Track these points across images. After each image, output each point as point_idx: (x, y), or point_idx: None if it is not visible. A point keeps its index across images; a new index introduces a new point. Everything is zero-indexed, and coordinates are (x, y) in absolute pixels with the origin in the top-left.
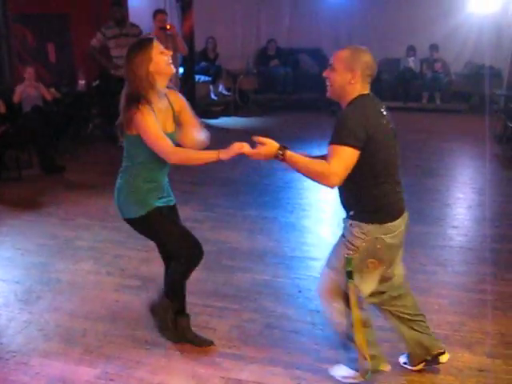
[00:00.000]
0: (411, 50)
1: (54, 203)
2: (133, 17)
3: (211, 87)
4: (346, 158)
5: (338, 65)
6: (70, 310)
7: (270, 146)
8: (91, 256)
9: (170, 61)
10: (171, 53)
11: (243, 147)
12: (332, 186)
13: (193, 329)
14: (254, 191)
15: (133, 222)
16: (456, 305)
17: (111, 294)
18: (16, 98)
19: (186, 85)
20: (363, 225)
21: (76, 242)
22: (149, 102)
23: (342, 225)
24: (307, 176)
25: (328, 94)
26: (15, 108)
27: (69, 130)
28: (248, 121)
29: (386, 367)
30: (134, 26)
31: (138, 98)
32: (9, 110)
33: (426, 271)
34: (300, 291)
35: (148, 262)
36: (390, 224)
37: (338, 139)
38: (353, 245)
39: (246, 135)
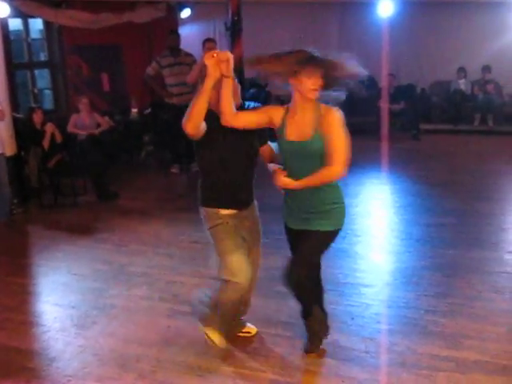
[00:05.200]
0: (462, 72)
1: (108, 229)
2: (183, 45)
3: None
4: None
5: None
6: (124, 335)
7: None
8: (144, 282)
9: None
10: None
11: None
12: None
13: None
14: None
15: None
16: None
17: (164, 319)
18: (71, 127)
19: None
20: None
21: (130, 268)
22: None
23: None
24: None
25: None
26: (71, 137)
27: (122, 158)
28: None
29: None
30: (188, 55)
31: None
32: (65, 138)
33: (482, 298)
34: (353, 318)
35: (200, 287)
36: None
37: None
38: None
39: None
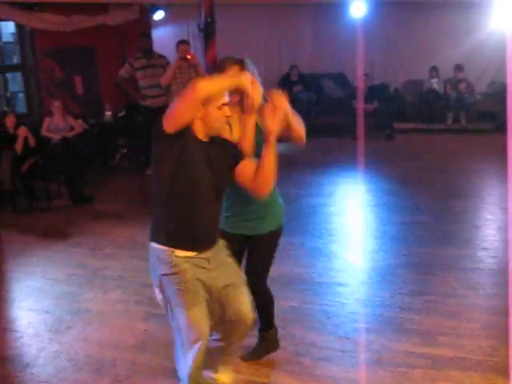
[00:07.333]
0: (434, 71)
1: (82, 233)
2: (157, 47)
3: None
4: None
5: None
6: (99, 339)
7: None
8: (120, 285)
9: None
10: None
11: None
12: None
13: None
14: None
15: None
16: (488, 329)
17: (140, 323)
18: (44, 131)
19: None
20: None
21: (105, 272)
22: None
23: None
24: None
25: None
26: (44, 140)
27: (96, 161)
28: None
29: None
30: (161, 56)
31: None
32: (38, 142)
33: (456, 295)
34: (328, 318)
35: None
36: None
37: None
38: None
39: None
